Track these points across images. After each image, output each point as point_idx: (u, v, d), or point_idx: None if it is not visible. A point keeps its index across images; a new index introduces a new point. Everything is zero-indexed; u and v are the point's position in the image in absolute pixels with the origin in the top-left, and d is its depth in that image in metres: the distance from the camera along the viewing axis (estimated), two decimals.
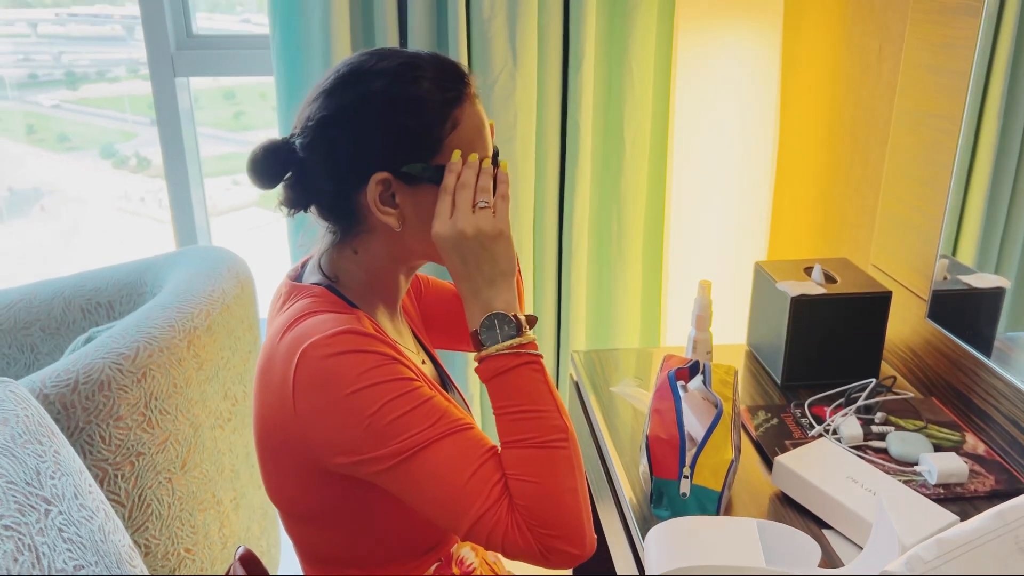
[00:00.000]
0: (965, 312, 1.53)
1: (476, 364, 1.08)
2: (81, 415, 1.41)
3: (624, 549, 1.32)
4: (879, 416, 1.47)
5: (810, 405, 1.53)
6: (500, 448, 1.04)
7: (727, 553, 1.08)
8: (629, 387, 1.64)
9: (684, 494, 1.21)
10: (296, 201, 1.13)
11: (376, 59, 1.08)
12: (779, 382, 1.63)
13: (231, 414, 1.78)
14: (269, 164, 1.10)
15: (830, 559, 1.16)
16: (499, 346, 1.05)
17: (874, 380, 1.56)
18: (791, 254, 2.26)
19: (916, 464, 1.35)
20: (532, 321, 1.10)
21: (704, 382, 1.35)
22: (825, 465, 1.28)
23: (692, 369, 1.41)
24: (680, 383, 1.35)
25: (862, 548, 1.16)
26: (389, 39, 2.00)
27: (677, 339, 2.31)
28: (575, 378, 1.77)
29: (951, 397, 1.54)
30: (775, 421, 1.48)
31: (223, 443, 1.74)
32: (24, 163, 4.44)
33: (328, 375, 1.00)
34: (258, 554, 1.43)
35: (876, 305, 1.59)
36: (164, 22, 2.22)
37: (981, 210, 1.50)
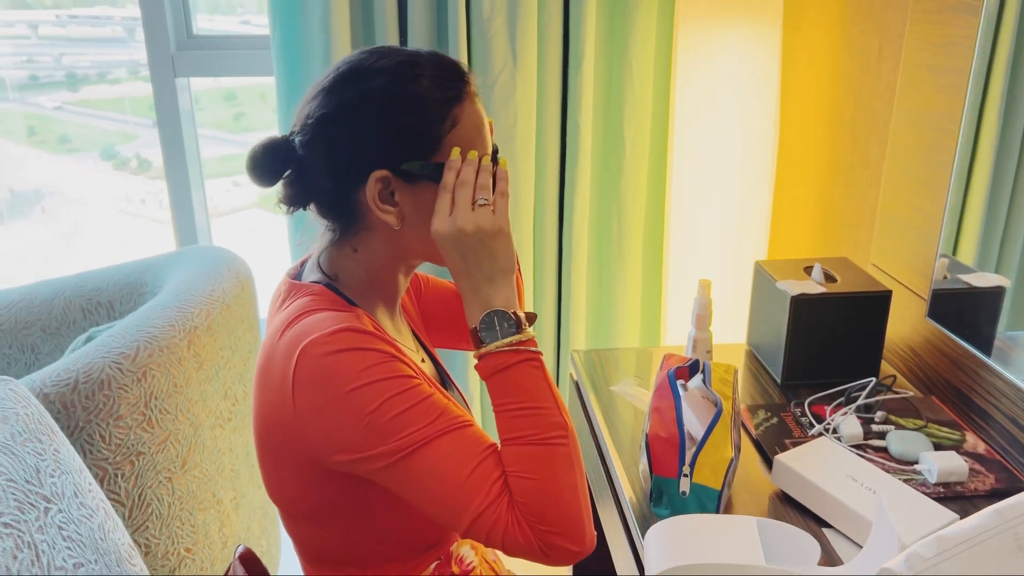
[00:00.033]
0: (965, 311, 1.53)
1: (476, 361, 1.08)
2: (81, 414, 1.41)
3: (624, 548, 1.32)
4: (879, 415, 1.47)
5: (810, 404, 1.53)
6: (500, 445, 1.04)
7: (727, 551, 1.08)
8: (629, 386, 1.64)
9: (684, 492, 1.21)
10: (295, 199, 1.13)
11: (376, 57, 1.08)
12: (779, 381, 1.63)
13: (231, 414, 1.78)
14: (268, 162, 1.10)
15: (830, 558, 1.16)
16: (499, 343, 1.05)
17: (874, 379, 1.56)
18: (791, 253, 2.26)
19: (916, 463, 1.35)
20: (532, 318, 1.10)
21: (704, 381, 1.35)
22: (825, 464, 1.28)
23: (692, 368, 1.41)
24: (680, 382, 1.35)
25: (862, 547, 1.16)
26: (389, 39, 2.01)
27: (677, 338, 2.31)
28: (575, 377, 1.77)
29: (951, 396, 1.54)
30: (775, 420, 1.48)
31: (223, 443, 1.74)
32: (25, 165, 4.43)
33: (327, 373, 1.00)
34: (258, 554, 1.43)
35: (876, 304, 1.59)
36: (165, 23, 2.22)
37: (981, 209, 1.50)
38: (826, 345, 1.60)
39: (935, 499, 1.23)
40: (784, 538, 1.13)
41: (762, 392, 1.61)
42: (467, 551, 1.26)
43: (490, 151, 1.13)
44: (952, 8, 1.52)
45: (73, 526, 0.99)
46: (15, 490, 0.92)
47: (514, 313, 1.07)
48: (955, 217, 1.54)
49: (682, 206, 2.23)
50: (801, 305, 1.57)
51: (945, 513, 1.16)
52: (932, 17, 1.58)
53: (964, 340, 1.51)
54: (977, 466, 1.33)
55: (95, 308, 1.96)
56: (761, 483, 1.34)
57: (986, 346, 1.46)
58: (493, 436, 1.06)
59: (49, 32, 4.14)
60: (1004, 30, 1.42)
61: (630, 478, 1.36)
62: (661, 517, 1.22)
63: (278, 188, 1.14)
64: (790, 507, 1.28)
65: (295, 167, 1.11)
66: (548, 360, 2.28)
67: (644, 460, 1.26)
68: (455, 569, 1.23)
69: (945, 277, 1.56)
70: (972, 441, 1.41)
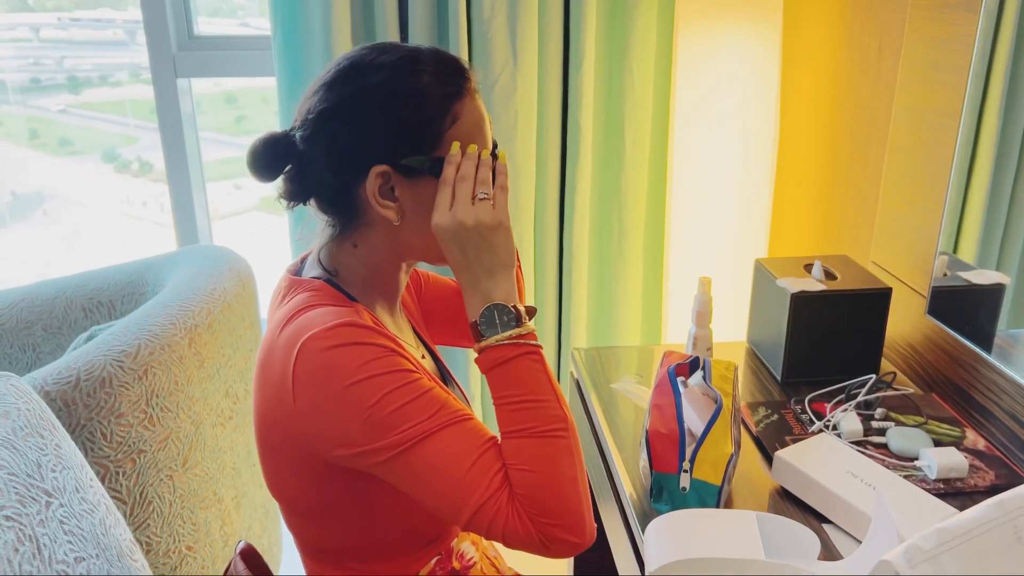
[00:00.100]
0: (965, 308, 1.53)
1: (476, 355, 1.08)
2: (82, 412, 1.42)
3: (624, 544, 1.32)
4: (879, 412, 1.47)
5: (810, 401, 1.53)
6: (500, 438, 1.05)
7: (727, 545, 1.09)
8: (630, 384, 1.64)
9: (684, 488, 1.22)
10: (296, 194, 1.13)
11: (377, 53, 1.09)
12: (779, 379, 1.63)
13: (232, 412, 1.78)
14: (269, 157, 1.11)
15: (829, 553, 1.16)
16: (499, 336, 1.06)
17: (874, 376, 1.56)
18: (791, 251, 2.26)
19: (916, 459, 1.35)
20: (531, 312, 1.10)
21: (704, 378, 1.35)
22: (825, 460, 1.28)
23: (692, 365, 1.41)
24: (680, 379, 1.35)
25: (861, 542, 1.16)
26: (390, 39, 2.01)
27: (678, 337, 2.32)
28: (576, 375, 1.77)
29: (951, 393, 1.54)
30: (775, 417, 1.49)
31: (224, 441, 1.75)
32: (26, 167, 4.44)
33: (328, 367, 1.01)
34: (259, 552, 1.43)
35: (876, 301, 1.59)
36: (166, 24, 2.23)
37: (982, 207, 1.50)
38: (826, 342, 1.60)
39: (935, 495, 1.23)
40: (784, 532, 1.13)
41: (762, 389, 1.61)
42: (468, 546, 1.26)
43: (490, 146, 1.13)
44: (952, 6, 1.52)
45: (74, 520, 1.00)
46: (16, 484, 0.93)
47: (514, 307, 1.07)
48: (955, 215, 1.54)
49: (682, 205, 2.24)
50: (801, 303, 1.57)
51: (945, 509, 1.16)
52: (931, 15, 1.59)
53: (964, 337, 1.51)
54: (977, 462, 1.33)
55: (96, 307, 1.96)
56: (761, 480, 1.34)
57: (986, 343, 1.46)
58: (494, 431, 1.07)
59: (51, 35, 4.15)
60: (1004, 27, 1.42)
61: (630, 475, 1.36)
62: (661, 513, 1.22)
63: (278, 184, 1.14)
64: (790, 503, 1.28)
65: (295, 162, 1.11)
66: (549, 358, 2.28)
67: (644, 456, 1.26)
68: (456, 564, 1.23)
69: (945, 274, 1.56)
70: (972, 438, 1.41)
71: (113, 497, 1.46)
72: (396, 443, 1.00)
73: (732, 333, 2.14)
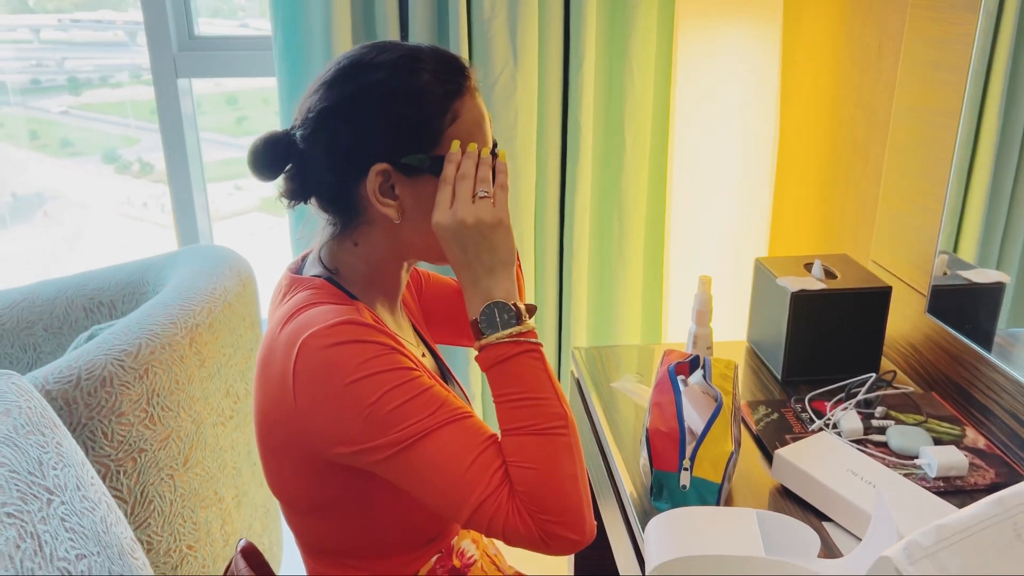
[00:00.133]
0: (965, 307, 1.53)
1: (476, 353, 1.08)
2: (83, 411, 1.42)
3: (624, 542, 1.32)
4: (879, 410, 1.47)
5: (810, 400, 1.53)
6: (500, 436, 1.05)
7: (727, 543, 1.09)
8: (630, 383, 1.65)
9: (684, 486, 1.22)
10: (296, 193, 1.13)
11: (376, 51, 1.09)
12: (779, 377, 1.63)
13: (233, 411, 1.78)
14: (270, 156, 1.11)
15: (829, 550, 1.17)
16: (499, 334, 1.06)
17: (874, 375, 1.56)
18: (791, 250, 2.27)
19: (916, 457, 1.35)
20: (532, 310, 1.10)
21: (704, 376, 1.35)
22: (825, 458, 1.28)
23: (692, 363, 1.41)
24: (680, 377, 1.35)
25: (862, 540, 1.16)
26: (390, 39, 2.01)
27: (678, 336, 2.32)
28: (576, 375, 1.77)
29: (951, 392, 1.54)
30: (775, 416, 1.49)
31: (225, 440, 1.75)
32: (27, 168, 4.44)
33: (328, 365, 1.01)
34: (260, 551, 1.43)
35: (876, 300, 1.59)
36: (167, 24, 2.23)
37: (982, 206, 1.50)
38: (826, 341, 1.60)
39: (935, 493, 1.23)
40: (784, 530, 1.14)
41: (762, 388, 1.61)
42: (468, 545, 1.26)
43: (490, 145, 1.13)
44: (951, 5, 1.53)
45: (76, 518, 1.00)
46: (18, 481, 0.93)
47: (514, 305, 1.07)
48: (955, 214, 1.54)
49: (683, 204, 2.24)
50: (801, 301, 1.57)
51: (945, 507, 1.16)
52: (931, 14, 1.59)
53: (964, 336, 1.51)
54: (977, 461, 1.34)
55: (97, 307, 1.97)
56: (761, 478, 1.34)
57: (986, 342, 1.46)
58: (494, 429, 1.07)
59: (51, 36, 4.15)
60: (1004, 26, 1.42)
61: (631, 473, 1.36)
62: (661, 511, 1.22)
63: (279, 183, 1.14)
64: (790, 501, 1.28)
65: (296, 161, 1.12)
66: (550, 357, 2.28)
67: (644, 454, 1.26)
68: (456, 563, 1.24)
69: (945, 273, 1.56)
70: (972, 436, 1.41)
71: (114, 496, 1.46)
72: (396, 441, 1.00)
73: (732, 332, 2.14)
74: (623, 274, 2.24)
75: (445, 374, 1.32)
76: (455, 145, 1.08)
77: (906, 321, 1.68)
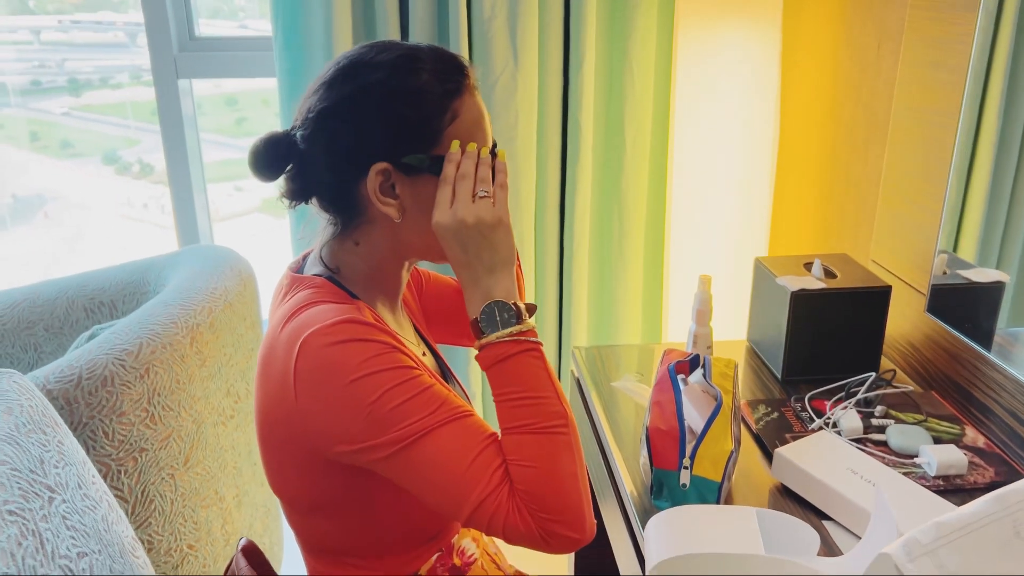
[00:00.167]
0: (965, 306, 1.54)
1: (477, 352, 1.08)
2: (84, 410, 1.42)
3: (625, 541, 1.32)
4: (879, 409, 1.47)
5: (810, 399, 1.53)
6: (500, 435, 1.05)
7: (727, 541, 1.09)
8: (630, 382, 1.65)
9: (684, 485, 1.22)
10: (297, 193, 1.14)
11: (376, 51, 1.09)
12: (779, 377, 1.63)
13: (234, 411, 1.79)
14: (270, 156, 1.11)
15: (829, 549, 1.17)
16: (499, 334, 1.06)
17: (874, 374, 1.56)
18: (791, 250, 2.27)
19: (916, 456, 1.35)
20: (532, 309, 1.11)
21: (704, 375, 1.35)
22: (825, 457, 1.28)
23: (692, 363, 1.41)
24: (680, 376, 1.35)
25: (861, 538, 1.16)
26: (391, 39, 2.02)
27: (678, 335, 2.32)
28: (576, 374, 1.77)
29: (951, 391, 1.55)
30: (775, 415, 1.49)
31: (225, 440, 1.75)
32: (27, 170, 4.44)
33: (329, 364, 1.01)
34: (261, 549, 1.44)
35: (875, 300, 1.59)
36: (167, 25, 2.24)
37: (982, 205, 1.50)
38: (826, 341, 1.61)
39: (935, 492, 1.23)
40: (784, 528, 1.14)
41: (762, 387, 1.62)
42: (468, 543, 1.27)
43: (490, 144, 1.14)
44: (950, 5, 1.53)
45: (77, 516, 1.00)
46: (20, 479, 0.93)
47: (514, 304, 1.07)
48: (955, 213, 1.54)
49: (683, 204, 2.24)
50: (801, 301, 1.57)
51: (944, 505, 1.16)
52: (930, 14, 1.59)
53: (964, 335, 1.51)
54: (976, 459, 1.34)
55: (98, 307, 1.97)
56: (761, 477, 1.34)
57: (986, 341, 1.47)
58: (494, 427, 1.07)
59: (52, 37, 4.15)
60: (1004, 26, 1.42)
61: (631, 472, 1.36)
62: (661, 509, 1.22)
63: (280, 183, 1.14)
64: (790, 500, 1.28)
65: (296, 161, 1.12)
66: (550, 357, 2.28)
67: (644, 453, 1.26)
68: (456, 561, 1.24)
69: (945, 273, 1.57)
70: (972, 435, 1.41)
71: (115, 495, 1.47)
72: (397, 439, 1.00)
73: (732, 332, 2.15)
74: (623, 274, 2.24)
75: (445, 373, 1.32)
76: (455, 145, 1.09)
77: (906, 320, 1.68)
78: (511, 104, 2.05)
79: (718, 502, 1.22)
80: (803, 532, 1.13)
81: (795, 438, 1.40)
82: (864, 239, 1.88)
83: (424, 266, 1.47)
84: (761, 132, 2.21)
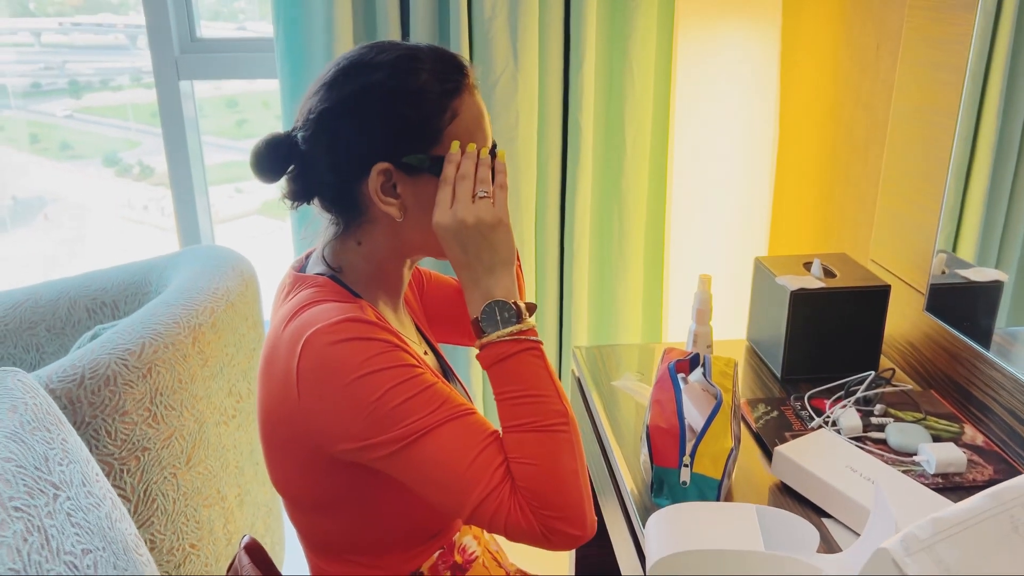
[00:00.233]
0: (963, 305, 1.54)
1: (477, 351, 1.09)
2: (87, 410, 1.43)
3: (625, 538, 1.33)
4: (878, 408, 1.48)
5: (810, 398, 1.54)
6: (502, 433, 1.06)
7: (727, 538, 1.09)
8: (630, 381, 1.65)
9: (684, 482, 1.23)
10: (299, 194, 1.14)
11: (376, 52, 1.10)
12: (779, 376, 1.64)
13: (235, 411, 1.79)
14: (272, 158, 1.12)
15: (829, 546, 1.17)
16: (500, 333, 1.07)
17: (873, 373, 1.57)
18: (791, 250, 2.28)
19: (915, 454, 1.36)
20: (532, 308, 1.11)
21: (704, 374, 1.36)
22: (824, 455, 1.29)
23: (692, 361, 1.42)
24: (680, 375, 1.36)
25: (860, 535, 1.17)
26: (391, 39, 2.02)
27: (679, 335, 2.33)
28: (577, 373, 1.78)
29: (950, 389, 1.55)
30: (775, 414, 1.50)
31: (227, 439, 1.76)
32: (28, 172, 4.45)
33: (332, 362, 1.02)
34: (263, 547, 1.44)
35: (875, 299, 1.60)
36: (169, 27, 2.24)
37: (981, 205, 1.51)
38: (825, 340, 1.61)
39: (934, 490, 1.24)
40: (783, 525, 1.14)
41: (762, 386, 1.62)
42: (470, 541, 1.27)
43: (490, 144, 1.14)
44: (949, 5, 1.54)
45: (81, 513, 1.01)
46: (25, 476, 0.94)
47: (514, 303, 1.08)
48: (954, 213, 1.55)
49: (683, 204, 2.25)
50: (800, 300, 1.58)
51: (943, 503, 1.17)
52: (929, 14, 1.60)
53: (962, 334, 1.52)
54: (975, 457, 1.34)
55: (100, 308, 1.97)
56: (761, 475, 1.35)
57: (984, 340, 1.47)
58: (496, 426, 1.08)
59: (52, 39, 4.16)
60: (1003, 26, 1.43)
61: (631, 470, 1.37)
62: (662, 507, 1.23)
63: (282, 184, 1.15)
64: (790, 498, 1.29)
65: (298, 162, 1.12)
66: (551, 356, 2.29)
67: (645, 451, 1.27)
68: (458, 558, 1.24)
69: (943, 272, 1.57)
70: (971, 433, 1.42)
71: (118, 494, 1.47)
72: (399, 437, 1.01)
73: (732, 331, 2.15)
74: (623, 273, 2.25)
75: (447, 372, 1.33)
76: (455, 145, 1.09)
77: (905, 319, 1.69)
78: (511, 104, 2.06)
79: (718, 500, 1.23)
80: (802, 529, 1.14)
81: (795, 436, 1.41)
82: (863, 239, 1.88)
83: (426, 265, 1.48)
84: (761, 132, 2.21)
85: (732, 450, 1.22)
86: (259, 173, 1.12)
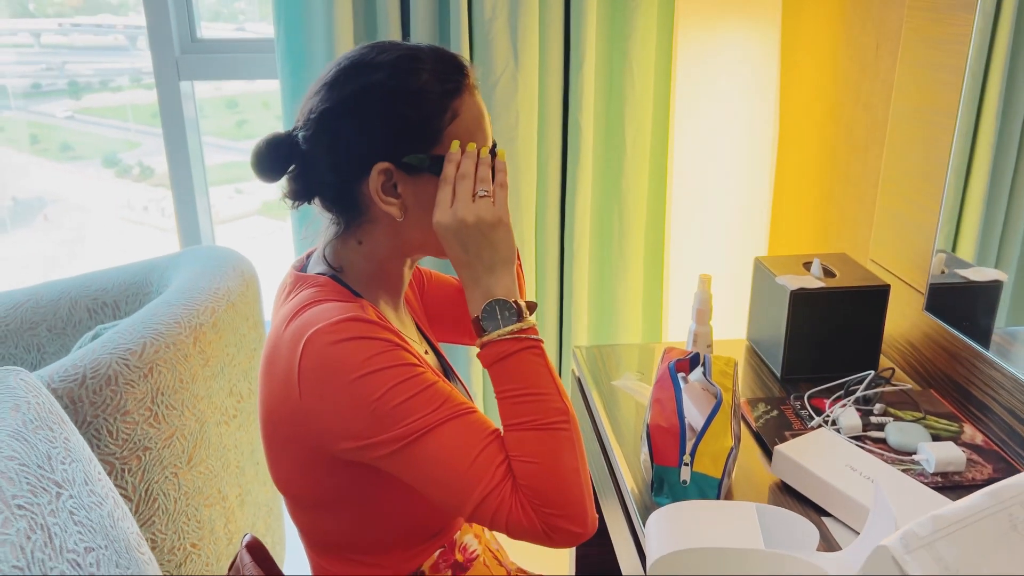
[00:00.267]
0: (963, 305, 1.54)
1: (478, 350, 1.09)
2: (89, 409, 1.43)
3: (625, 537, 1.33)
4: (878, 407, 1.48)
5: (809, 397, 1.54)
6: (503, 431, 1.06)
7: (727, 536, 1.10)
8: (631, 381, 1.66)
9: (684, 481, 1.23)
10: (300, 193, 1.15)
11: (376, 52, 1.10)
12: (779, 375, 1.64)
13: (236, 411, 1.79)
14: (273, 157, 1.12)
15: (829, 545, 1.18)
16: (500, 331, 1.07)
17: (873, 372, 1.57)
18: (790, 249, 2.28)
19: (914, 453, 1.36)
20: (532, 307, 1.12)
21: (704, 373, 1.36)
22: (824, 454, 1.29)
23: (692, 361, 1.42)
24: (681, 374, 1.36)
25: (860, 534, 1.17)
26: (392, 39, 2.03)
27: (678, 335, 2.33)
28: (577, 373, 1.78)
29: (949, 389, 1.56)
30: (775, 413, 1.50)
31: (228, 439, 1.76)
32: (28, 172, 4.45)
33: (332, 361, 1.02)
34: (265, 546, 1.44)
35: (874, 298, 1.60)
36: (169, 27, 2.25)
37: (980, 205, 1.51)
38: (825, 339, 1.61)
39: (933, 488, 1.24)
40: (783, 524, 1.15)
41: (762, 386, 1.63)
42: (470, 539, 1.27)
43: (490, 143, 1.15)
44: (948, 5, 1.54)
45: (84, 512, 1.01)
46: (28, 474, 0.94)
47: (515, 302, 1.08)
48: (953, 213, 1.55)
49: (683, 204, 2.25)
50: (800, 300, 1.58)
51: (943, 501, 1.17)
52: (928, 15, 1.60)
53: (962, 333, 1.52)
54: (975, 456, 1.35)
55: (101, 308, 1.98)
56: (761, 475, 1.35)
57: (984, 339, 1.47)
58: (496, 424, 1.08)
59: (52, 40, 4.16)
60: (1002, 26, 1.43)
61: (631, 470, 1.37)
62: (662, 506, 1.23)
63: (283, 183, 1.15)
64: (789, 497, 1.29)
65: (299, 162, 1.13)
66: (551, 356, 2.29)
67: (645, 450, 1.27)
68: (458, 557, 1.25)
69: (943, 272, 1.58)
70: (970, 432, 1.42)
71: (119, 494, 1.47)
72: (401, 436, 1.01)
73: (732, 331, 2.15)
74: (623, 273, 2.25)
75: (447, 371, 1.33)
76: (455, 145, 1.10)
77: (904, 319, 1.69)
78: (511, 105, 2.06)
79: (718, 498, 1.23)
80: (802, 527, 1.14)
81: (795, 436, 1.41)
82: (863, 238, 1.89)
83: (427, 264, 1.48)
84: (761, 132, 2.22)
85: (732, 449, 1.23)
86: (260, 172, 1.13)
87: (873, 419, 1.46)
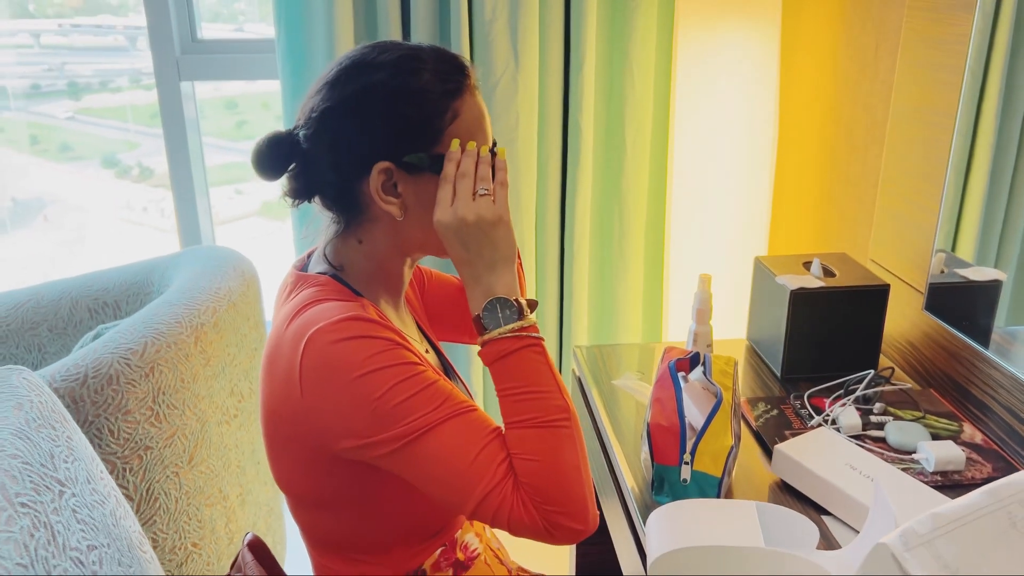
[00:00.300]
0: (962, 305, 1.55)
1: (479, 348, 1.10)
2: (90, 408, 1.43)
3: (626, 536, 1.33)
4: (877, 407, 1.49)
5: (809, 397, 1.54)
6: (504, 429, 1.06)
7: (727, 534, 1.10)
8: (631, 380, 1.66)
9: (685, 480, 1.23)
10: (300, 192, 1.15)
11: (377, 51, 1.11)
12: (779, 375, 1.65)
13: (237, 410, 1.80)
14: (273, 156, 1.12)
15: (829, 543, 1.18)
16: (501, 330, 1.07)
17: (872, 371, 1.57)
18: (790, 249, 2.28)
19: (914, 452, 1.36)
20: (533, 305, 1.12)
21: (704, 372, 1.37)
22: (824, 453, 1.30)
23: (693, 360, 1.42)
24: (681, 374, 1.36)
25: (860, 532, 1.17)
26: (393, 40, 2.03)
27: (679, 334, 2.33)
28: (577, 373, 1.79)
29: (949, 388, 1.56)
30: (775, 412, 1.50)
31: (229, 439, 1.76)
32: (27, 173, 4.45)
33: (334, 360, 1.02)
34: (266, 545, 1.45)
35: (874, 298, 1.61)
36: (170, 28, 2.25)
37: (980, 204, 1.52)
38: (825, 339, 1.62)
39: (933, 487, 1.24)
40: (783, 522, 1.15)
41: (762, 385, 1.63)
42: (471, 538, 1.28)
43: (490, 143, 1.15)
44: (948, 5, 1.54)
45: (86, 510, 1.01)
46: (31, 473, 0.94)
47: (516, 300, 1.09)
48: (953, 212, 1.55)
49: (683, 204, 2.26)
50: (800, 299, 1.58)
51: (943, 500, 1.17)
52: (928, 15, 1.60)
53: (961, 333, 1.52)
54: (974, 456, 1.35)
55: (102, 308, 1.98)
56: (761, 474, 1.35)
57: (983, 338, 1.48)
58: (497, 422, 1.08)
59: (51, 41, 4.16)
60: (1001, 26, 1.43)
61: (632, 468, 1.37)
62: (662, 505, 1.23)
63: (283, 182, 1.16)
64: (789, 496, 1.29)
65: (300, 160, 1.13)
66: (551, 356, 2.29)
67: (646, 449, 1.27)
68: (460, 556, 1.25)
69: (942, 271, 1.58)
70: (970, 432, 1.42)
71: (121, 493, 1.48)
72: (402, 434, 1.01)
73: (732, 330, 2.16)
74: (624, 273, 2.26)
75: (448, 370, 1.33)
76: (455, 144, 1.10)
77: (904, 319, 1.69)
78: (512, 105, 2.06)
79: (718, 497, 1.23)
80: (802, 526, 1.14)
81: (795, 435, 1.41)
82: (863, 238, 1.89)
83: (427, 263, 1.48)
84: (761, 132, 2.22)
85: (732, 448, 1.23)
86: (260, 171, 1.13)
87: (873, 418, 1.46)
